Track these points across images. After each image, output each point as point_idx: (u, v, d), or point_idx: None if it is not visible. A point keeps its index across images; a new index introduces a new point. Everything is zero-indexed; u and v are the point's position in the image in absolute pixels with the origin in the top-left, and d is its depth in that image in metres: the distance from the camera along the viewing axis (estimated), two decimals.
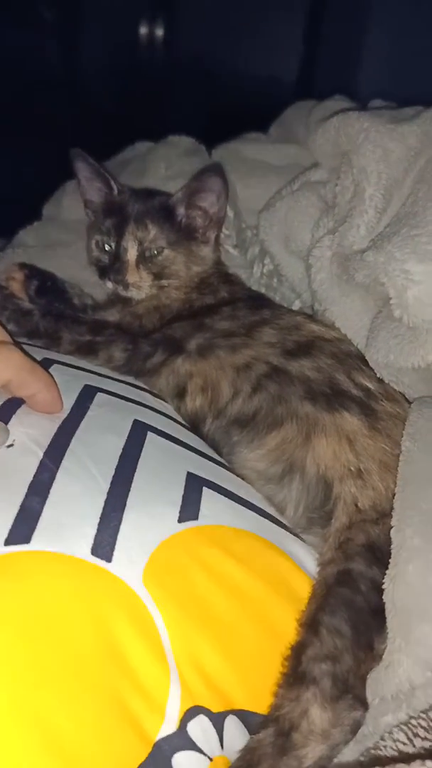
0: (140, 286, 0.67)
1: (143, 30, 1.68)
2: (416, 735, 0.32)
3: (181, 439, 0.52)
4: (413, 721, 0.33)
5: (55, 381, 0.47)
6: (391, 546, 0.41)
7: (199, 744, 0.36)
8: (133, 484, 0.44)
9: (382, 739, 0.33)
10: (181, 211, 0.69)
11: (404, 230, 0.46)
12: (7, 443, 0.43)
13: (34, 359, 0.47)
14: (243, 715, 0.39)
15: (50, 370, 0.52)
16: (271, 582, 0.44)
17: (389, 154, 0.52)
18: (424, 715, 0.33)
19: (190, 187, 0.68)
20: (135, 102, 1.70)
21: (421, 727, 0.32)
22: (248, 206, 0.78)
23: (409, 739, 0.32)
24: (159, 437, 0.50)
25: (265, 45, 1.59)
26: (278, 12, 1.56)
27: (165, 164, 0.82)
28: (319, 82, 1.51)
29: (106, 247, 0.69)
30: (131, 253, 0.67)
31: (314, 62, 1.57)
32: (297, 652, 0.40)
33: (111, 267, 0.67)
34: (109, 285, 0.68)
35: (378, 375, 0.54)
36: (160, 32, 1.68)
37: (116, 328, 0.64)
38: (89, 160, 0.71)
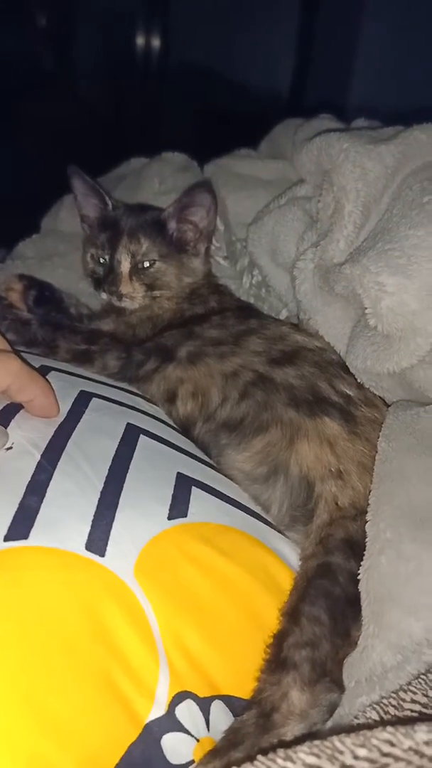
0: (134, 296, 0.69)
1: (140, 41, 1.71)
2: (387, 713, 0.34)
3: (171, 441, 0.54)
4: (384, 701, 0.35)
5: (52, 387, 0.49)
6: (366, 539, 0.43)
7: (187, 726, 0.38)
8: (125, 484, 0.45)
9: (356, 718, 0.35)
10: (172, 225, 0.71)
11: (379, 245, 0.49)
12: (7, 446, 0.45)
13: (32, 366, 0.50)
14: (228, 700, 0.41)
15: (48, 376, 0.54)
16: (256, 575, 0.45)
17: (367, 173, 0.55)
18: (394, 695, 0.35)
19: (181, 202, 0.71)
20: (130, 111, 1.73)
21: (392, 705, 0.35)
22: (238, 220, 0.81)
23: (380, 716, 0.34)
24: (151, 440, 0.52)
25: (258, 59, 1.63)
26: (271, 27, 1.59)
27: (159, 179, 0.85)
28: (310, 96, 1.54)
29: (101, 260, 0.71)
30: (125, 266, 0.69)
31: (306, 76, 1.60)
32: (279, 639, 0.43)
33: (105, 279, 0.70)
34: (104, 296, 0.70)
35: (359, 380, 0.56)
36: (156, 43, 1.71)
37: (111, 337, 0.66)
38: (85, 178, 0.74)
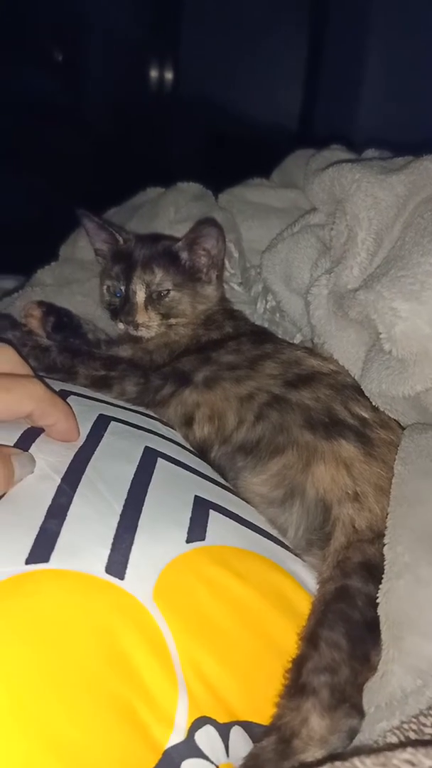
0: (149, 326, 0.71)
1: (151, 72, 1.76)
2: (407, 738, 0.34)
3: (189, 464, 0.54)
4: (405, 725, 0.35)
5: (73, 411, 0.51)
6: (384, 562, 0.43)
7: (206, 752, 0.37)
8: (144, 507, 0.46)
9: (376, 743, 0.35)
10: (185, 255, 0.73)
11: (392, 272, 0.50)
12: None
13: (54, 391, 0.51)
14: (247, 726, 0.40)
15: (67, 400, 0.54)
16: (274, 599, 0.45)
17: (379, 202, 0.57)
18: (414, 719, 0.35)
19: (193, 233, 0.72)
20: (142, 141, 1.77)
21: (412, 730, 0.35)
22: (252, 246, 0.83)
23: (400, 741, 0.34)
24: (168, 463, 0.52)
25: (267, 89, 1.66)
26: (280, 57, 1.63)
27: (174, 208, 0.87)
28: (319, 126, 1.57)
29: (117, 292, 0.73)
30: (140, 296, 0.71)
31: (314, 106, 1.63)
32: (298, 664, 0.42)
33: (122, 309, 0.71)
34: (121, 326, 0.71)
35: (373, 403, 0.57)
36: (167, 74, 1.76)
37: (129, 363, 0.67)
38: (93, 219, 0.77)
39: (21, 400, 0.46)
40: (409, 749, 0.26)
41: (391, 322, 0.48)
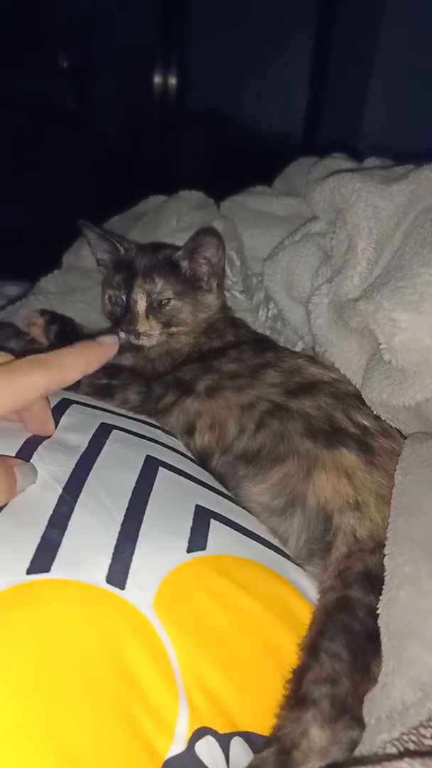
0: (150, 334, 0.71)
1: (157, 81, 1.77)
2: (406, 749, 0.34)
3: (190, 473, 0.54)
4: (404, 737, 0.35)
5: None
6: (384, 573, 0.43)
7: (207, 763, 0.37)
8: (145, 517, 0.46)
9: (376, 754, 0.35)
10: (185, 264, 0.73)
11: (392, 282, 0.50)
12: None
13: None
14: (248, 737, 0.40)
15: (69, 409, 0.55)
16: (275, 609, 0.45)
17: (379, 212, 0.57)
18: (414, 731, 0.35)
19: (193, 242, 0.72)
20: (147, 149, 1.78)
21: (411, 741, 0.35)
22: (254, 254, 0.83)
23: (399, 752, 0.34)
24: (170, 472, 0.52)
25: (272, 98, 1.67)
26: (285, 67, 1.64)
27: (176, 217, 0.87)
28: (323, 135, 1.58)
29: (118, 301, 0.73)
30: (141, 305, 0.71)
31: (318, 115, 1.64)
32: (298, 675, 0.42)
33: (123, 318, 0.71)
34: (122, 335, 0.71)
35: (375, 412, 0.57)
36: (173, 83, 1.77)
37: (131, 372, 0.68)
38: (94, 229, 0.78)
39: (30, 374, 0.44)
40: (406, 759, 0.26)
41: (391, 333, 0.48)
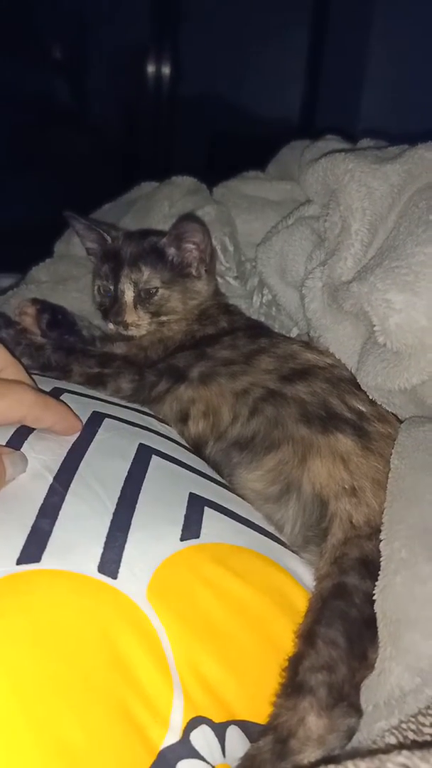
0: (139, 324, 0.70)
1: (151, 69, 1.75)
2: (405, 738, 0.34)
3: (184, 461, 0.54)
4: (403, 725, 0.34)
5: (69, 408, 0.50)
6: (381, 558, 0.43)
7: (202, 753, 0.37)
8: (137, 505, 0.45)
9: (374, 743, 0.35)
10: (171, 251, 0.72)
11: (386, 262, 0.49)
12: None
13: (44, 392, 0.50)
14: (244, 725, 0.40)
15: (60, 398, 0.55)
16: (270, 596, 0.45)
17: (373, 192, 0.56)
18: (413, 719, 0.34)
19: (176, 229, 0.71)
20: (141, 138, 1.77)
21: (411, 730, 0.34)
22: (247, 240, 0.82)
23: (399, 741, 0.33)
24: (163, 460, 0.52)
25: (267, 85, 1.66)
26: (280, 53, 1.63)
27: (169, 203, 0.86)
28: (319, 121, 1.57)
29: (108, 292, 0.72)
30: (128, 295, 0.70)
31: (314, 101, 1.63)
32: (294, 663, 0.42)
33: (111, 309, 0.70)
34: (111, 327, 0.71)
35: (370, 397, 0.56)
36: (167, 71, 1.75)
37: (123, 360, 0.67)
38: (81, 220, 0.77)
39: (11, 407, 0.46)
40: (405, 752, 0.25)
41: (385, 314, 0.47)
